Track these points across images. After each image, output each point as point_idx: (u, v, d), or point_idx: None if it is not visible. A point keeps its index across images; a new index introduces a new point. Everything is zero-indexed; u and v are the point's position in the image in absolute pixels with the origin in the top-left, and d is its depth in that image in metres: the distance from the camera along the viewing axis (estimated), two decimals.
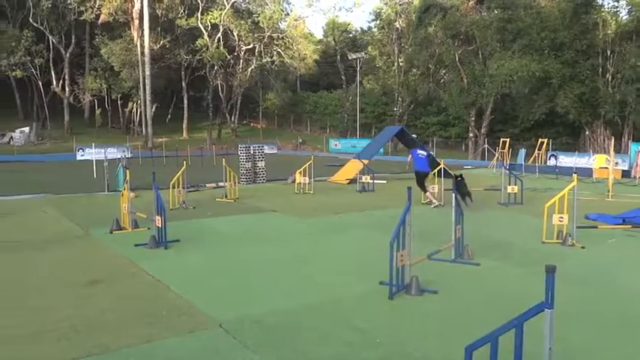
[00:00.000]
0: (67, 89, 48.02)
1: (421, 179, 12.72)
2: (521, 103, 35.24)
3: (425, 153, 13.16)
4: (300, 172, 15.42)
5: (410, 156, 13.71)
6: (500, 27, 33.77)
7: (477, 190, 15.36)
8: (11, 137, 41.56)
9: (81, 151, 34.38)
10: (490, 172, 23.01)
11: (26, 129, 42.99)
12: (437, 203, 12.33)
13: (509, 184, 12.65)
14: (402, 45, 43.79)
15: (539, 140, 26.23)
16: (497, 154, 24.65)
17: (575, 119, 31.17)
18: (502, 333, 2.98)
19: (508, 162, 22.68)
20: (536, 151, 25.02)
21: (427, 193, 12.65)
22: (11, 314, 5.08)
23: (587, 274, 6.53)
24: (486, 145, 30.38)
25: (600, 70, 30.90)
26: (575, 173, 8.49)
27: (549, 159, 27.00)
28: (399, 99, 44.06)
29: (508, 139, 26.73)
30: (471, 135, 37.81)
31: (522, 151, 26.22)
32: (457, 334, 4.49)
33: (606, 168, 18.42)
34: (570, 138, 33.82)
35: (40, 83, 46.37)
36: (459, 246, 7.07)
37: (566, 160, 26.12)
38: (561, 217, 8.08)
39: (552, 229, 8.21)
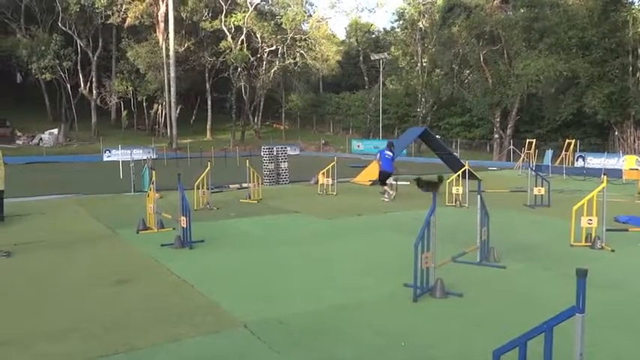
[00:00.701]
0: (94, 92, 49.01)
1: (385, 179, 13.77)
2: (548, 103, 34.61)
3: (391, 154, 13.98)
4: (323, 173, 15.42)
5: (378, 154, 14.29)
6: (526, 26, 33.23)
7: (502, 191, 15.17)
8: (41, 139, 42.57)
9: (107, 152, 35.03)
10: (516, 173, 22.68)
11: (55, 130, 44.01)
12: (387, 199, 13.42)
13: (536, 186, 12.43)
14: (426, 45, 43.49)
15: (567, 141, 25.76)
16: (522, 155, 24.28)
17: (604, 119, 30.47)
18: (531, 337, 2.93)
19: (534, 163, 22.31)
20: (563, 152, 24.58)
21: (385, 187, 13.71)
22: (42, 312, 5.20)
23: (617, 278, 6.37)
24: (512, 146, 29.95)
25: (630, 68, 30.15)
26: (604, 174, 8.30)
27: (577, 160, 26.48)
28: (423, 100, 43.76)
29: (534, 140, 26.29)
30: (495, 136, 37.31)
31: (549, 152, 25.74)
32: (483, 338, 4.43)
33: (636, 169, 17.99)
34: (599, 138, 33.08)
35: (69, 86, 47.45)
36: (484, 248, 6.98)
37: (594, 161, 25.57)
38: (590, 220, 7.90)
39: (581, 232, 8.04)
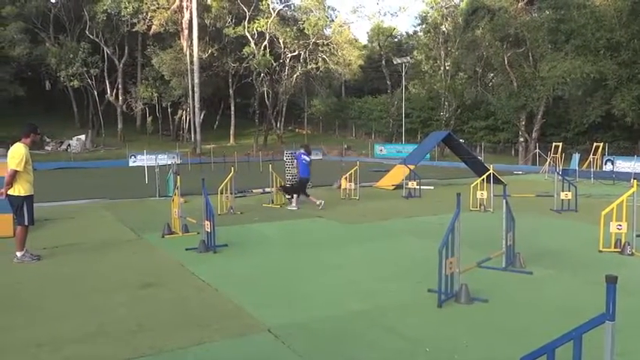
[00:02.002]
0: (120, 98, 49.99)
1: (303, 187, 12.91)
2: (575, 106, 34.01)
3: (308, 159, 13.24)
4: (346, 178, 15.42)
5: (295, 161, 13.48)
6: (552, 28, 32.74)
7: (528, 196, 14.94)
8: (69, 144, 43.56)
9: (133, 157, 35.62)
10: (542, 177, 22.31)
11: (82, 136, 44.99)
12: (296, 207, 12.69)
13: (563, 190, 12.21)
14: (449, 48, 43.21)
15: (595, 144, 25.23)
16: (549, 159, 23.87)
17: (634, 122, 29.78)
18: (560, 345, 2.87)
19: (561, 167, 21.92)
20: (591, 156, 24.07)
21: (310, 197, 12.85)
22: (70, 314, 5.30)
23: None
24: (537, 150, 29.48)
25: None
26: (634, 179, 8.10)
27: (605, 164, 25.92)
28: (446, 103, 43.47)
29: (561, 144, 25.81)
30: (521, 139, 36.81)
31: (576, 156, 25.24)
32: (509, 345, 4.36)
33: None
34: (628, 142, 32.34)
35: (96, 93, 48.52)
36: (510, 254, 6.88)
37: (623, 165, 24.98)
38: (619, 225, 7.73)
39: (610, 238, 7.87)
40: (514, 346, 4.27)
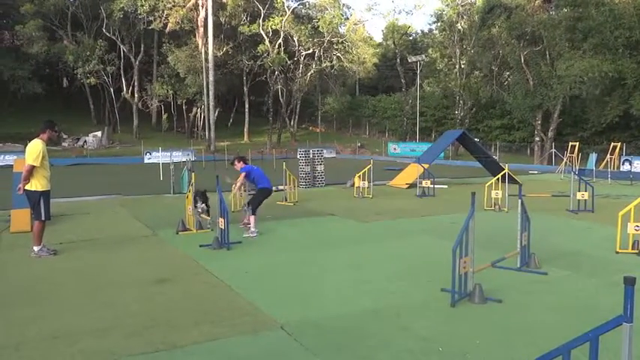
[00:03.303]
0: (136, 95, 50.44)
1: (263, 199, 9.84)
2: (592, 106, 33.54)
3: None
4: (359, 176, 15.39)
5: (243, 173, 9.80)
6: (569, 26, 32.33)
7: (543, 196, 14.79)
8: (85, 141, 44.07)
9: (148, 154, 35.94)
10: (558, 177, 22.06)
11: (99, 133, 45.48)
12: (254, 234, 9.23)
13: (579, 191, 12.06)
14: (464, 47, 42.88)
15: (612, 144, 24.90)
16: (565, 159, 23.60)
17: None
18: (575, 346, 2.84)
19: (577, 167, 21.65)
20: (608, 156, 23.76)
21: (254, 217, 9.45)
22: (85, 308, 5.37)
23: None
24: (554, 150, 29.16)
25: None
26: None
27: (623, 164, 25.55)
28: (461, 102, 43.16)
29: (577, 143, 25.51)
30: (537, 139, 36.43)
31: (593, 156, 24.92)
32: (523, 346, 4.32)
33: None
34: None
35: (112, 90, 49.01)
36: (524, 254, 6.81)
37: None
38: (637, 226, 7.61)
39: (627, 239, 7.75)
40: (528, 346, 4.23)
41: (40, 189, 7.57)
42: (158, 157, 29.43)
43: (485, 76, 40.57)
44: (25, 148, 8.00)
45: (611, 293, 5.65)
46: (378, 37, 64.03)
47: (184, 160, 23.01)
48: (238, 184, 10.12)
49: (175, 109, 51.98)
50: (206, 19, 45.02)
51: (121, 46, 48.64)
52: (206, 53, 45.28)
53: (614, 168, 22.88)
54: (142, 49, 50.14)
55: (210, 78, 44.81)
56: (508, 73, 40.23)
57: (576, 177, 12.52)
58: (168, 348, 4.31)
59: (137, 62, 49.92)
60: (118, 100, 50.62)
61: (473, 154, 20.98)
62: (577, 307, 5.38)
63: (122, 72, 49.26)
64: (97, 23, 47.86)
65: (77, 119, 48.54)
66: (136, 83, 50.39)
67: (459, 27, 43.22)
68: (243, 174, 9.71)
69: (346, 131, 56.77)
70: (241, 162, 9.97)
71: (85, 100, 51.42)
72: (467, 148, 21.18)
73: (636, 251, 7.62)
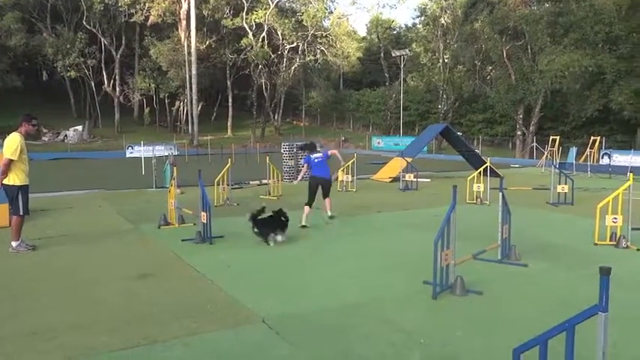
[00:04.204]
0: (117, 89, 49.78)
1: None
2: (573, 100, 33.99)
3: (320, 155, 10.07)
4: (343, 170, 15.41)
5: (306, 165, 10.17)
6: (550, 21, 32.67)
7: (524, 189, 14.96)
8: (65, 135, 43.43)
9: (130, 148, 35.56)
10: (539, 171, 22.33)
11: (79, 127, 44.85)
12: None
13: (559, 184, 12.23)
14: (448, 41, 43.09)
15: (592, 138, 25.29)
16: (546, 153, 23.90)
17: (631, 116, 29.81)
18: (552, 336, 2.88)
19: (558, 161, 21.94)
20: (588, 150, 24.13)
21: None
22: (65, 304, 5.30)
23: None
24: (535, 144, 29.50)
25: None
26: (630, 172, 8.11)
27: (602, 157, 25.95)
28: (444, 96, 43.41)
29: (558, 137, 25.86)
30: (518, 133, 36.83)
31: (573, 150, 25.30)
32: (503, 337, 4.38)
33: None
34: (625, 136, 32.38)
35: (93, 83, 48.31)
36: (505, 246, 6.89)
37: (620, 159, 25.02)
38: (615, 218, 7.74)
39: (605, 231, 7.89)
40: (508, 337, 4.29)
41: (18, 183, 7.44)
42: (140, 151, 29.12)
43: (468, 70, 40.84)
44: (2, 142, 7.85)
45: (589, 284, 5.73)
46: (362, 31, 64.09)
47: (167, 154, 22.81)
48: (300, 175, 10.66)
49: (158, 102, 51.42)
50: (189, 11, 44.57)
51: (102, 39, 47.92)
52: (189, 46, 44.85)
53: (593, 161, 23.25)
54: (124, 42, 49.45)
55: (193, 72, 44.41)
56: (491, 67, 40.54)
57: (557, 170, 12.69)
58: (148, 343, 4.28)
59: (118, 55, 49.23)
60: (99, 94, 49.91)
61: (456, 147, 21.15)
62: (556, 298, 5.47)
63: (103, 65, 48.56)
64: (77, 16, 47.04)
65: (57, 113, 47.73)
66: (117, 77, 49.72)
67: (443, 21, 43.40)
68: (305, 165, 10.21)
69: (330, 125, 56.75)
70: (305, 152, 10.42)
71: (66, 93, 50.62)
72: (450, 142, 21.34)
73: (614, 243, 7.76)
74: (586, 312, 2.74)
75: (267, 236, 7.90)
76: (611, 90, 29.78)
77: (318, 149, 10.36)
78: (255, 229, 7.92)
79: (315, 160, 9.93)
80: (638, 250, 7.49)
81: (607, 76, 29.50)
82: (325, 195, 10.07)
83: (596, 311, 2.70)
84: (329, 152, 10.25)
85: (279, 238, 7.95)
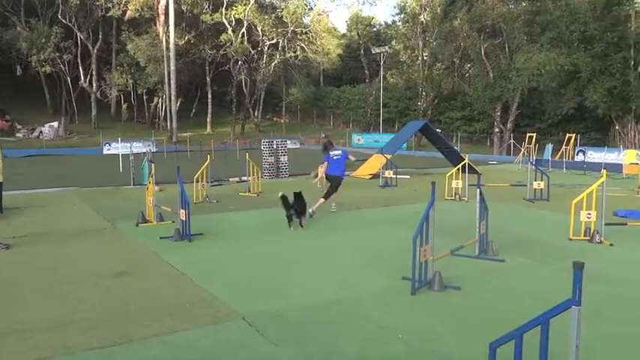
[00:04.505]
0: (94, 84, 48.93)
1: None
2: (549, 98, 34.53)
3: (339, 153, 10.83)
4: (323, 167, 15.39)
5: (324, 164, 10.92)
6: (527, 19, 33.12)
7: (502, 185, 15.16)
8: (41, 131, 42.58)
9: (107, 145, 35.03)
10: (516, 167, 22.65)
11: (55, 123, 43.99)
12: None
13: (536, 180, 12.43)
14: (427, 39, 43.35)
15: (567, 135, 25.74)
16: (523, 150, 24.27)
17: (605, 114, 30.43)
18: (527, 330, 2.93)
19: (534, 157, 22.28)
20: (563, 147, 24.56)
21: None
22: (39, 303, 5.21)
23: (615, 272, 6.38)
24: (512, 141, 29.92)
25: (632, 63, 30.05)
26: (604, 169, 8.29)
27: (577, 154, 26.47)
28: (423, 93, 43.69)
29: (535, 134, 26.25)
30: (496, 130, 37.29)
31: (549, 147, 25.71)
32: (481, 331, 4.43)
33: (636, 164, 17.97)
34: (599, 133, 33.05)
35: (69, 79, 47.39)
36: (483, 242, 6.98)
37: (594, 156, 25.55)
38: (589, 214, 7.90)
39: (580, 226, 8.05)
40: (485, 332, 4.34)
41: None
42: (118, 148, 28.70)
43: (447, 68, 41.20)
44: None
45: (563, 278, 5.82)
46: (342, 28, 64.01)
47: (145, 151, 22.53)
48: (320, 172, 11.32)
49: (135, 98, 50.69)
50: (167, 6, 43.97)
51: (78, 34, 47.01)
52: (167, 42, 44.29)
53: (568, 158, 23.68)
54: (100, 36, 48.60)
55: (172, 67, 43.90)
56: (469, 65, 40.97)
57: (533, 167, 12.89)
58: (125, 342, 4.23)
59: (95, 50, 48.37)
60: (76, 90, 48.99)
61: (435, 144, 21.31)
62: (532, 293, 5.56)
63: (79, 60, 47.66)
64: (53, 9, 46.04)
65: (32, 109, 46.72)
66: (94, 72, 48.85)
67: (422, 19, 43.64)
68: (324, 164, 10.80)
69: (310, 122, 56.69)
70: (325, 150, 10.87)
71: (40, 89, 49.57)
72: (429, 138, 21.51)
73: (588, 238, 7.92)
74: (560, 306, 2.79)
75: (301, 216, 9.04)
76: (586, 88, 30.33)
77: (336, 148, 11.20)
78: (292, 211, 8.92)
79: (334, 158, 10.67)
80: (611, 245, 7.66)
81: (582, 75, 30.02)
82: (332, 190, 10.58)
83: (570, 305, 2.75)
84: (350, 156, 11.01)
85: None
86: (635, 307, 5.18)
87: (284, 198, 8.95)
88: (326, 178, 10.94)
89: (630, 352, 4.21)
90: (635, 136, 29.72)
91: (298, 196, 9.11)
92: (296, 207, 8.96)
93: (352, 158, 11.32)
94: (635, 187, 14.11)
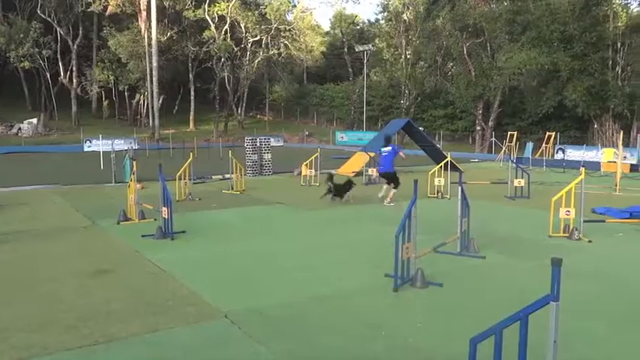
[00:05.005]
0: (74, 81, 48.17)
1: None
2: (529, 96, 34.96)
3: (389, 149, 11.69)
4: (307, 165, 15.41)
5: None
6: (509, 19, 33.44)
7: (483, 183, 15.32)
8: (19, 128, 41.83)
9: (88, 142, 34.57)
10: (497, 165, 22.91)
11: (34, 120, 43.23)
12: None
13: (516, 178, 12.59)
14: (410, 37, 43.50)
15: (547, 134, 26.07)
16: (504, 148, 24.54)
17: (584, 112, 30.92)
18: (507, 325, 2.97)
19: (515, 155, 22.55)
20: (543, 145, 24.88)
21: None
22: (19, 303, 5.13)
23: (593, 268, 6.50)
24: (493, 139, 30.23)
25: (610, 62, 30.60)
26: (582, 167, 8.42)
27: (557, 152, 26.86)
28: (406, 92, 43.86)
29: (515, 133, 26.58)
30: (478, 128, 37.62)
31: (530, 145, 26.07)
32: (462, 327, 4.48)
33: (614, 162, 18.29)
34: (578, 131, 33.58)
35: (48, 74, 46.54)
36: (464, 239, 7.05)
37: (573, 154, 25.97)
38: (568, 211, 8.03)
39: (559, 223, 8.17)
40: (467, 327, 4.39)
41: None
42: (99, 145, 28.31)
43: (430, 66, 41.40)
44: None
45: (543, 275, 5.90)
46: (326, 26, 63.96)
47: (126, 148, 22.29)
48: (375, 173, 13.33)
49: (117, 95, 50.01)
50: (149, 2, 43.46)
51: (58, 29, 46.20)
52: (149, 38, 43.79)
53: (548, 156, 24.00)
54: (81, 32, 47.82)
55: (154, 64, 43.43)
56: (451, 64, 41.21)
57: (514, 165, 13.04)
58: (106, 341, 4.19)
59: (75, 46, 47.59)
60: (55, 86, 48.16)
61: (417, 142, 21.43)
62: (512, 289, 5.64)
63: (59, 56, 46.83)
64: (31, 4, 45.18)
65: (10, 105, 45.83)
66: (74, 68, 48.07)
67: (405, 17, 43.79)
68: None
69: (294, 120, 56.59)
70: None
71: (19, 84, 48.66)
72: (412, 136, 21.62)
73: (567, 235, 8.05)
74: (538, 302, 2.83)
75: (345, 195, 11.54)
76: (566, 87, 30.76)
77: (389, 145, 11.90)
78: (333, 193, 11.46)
79: (383, 154, 11.68)
80: (589, 241, 7.80)
81: (562, 74, 30.43)
82: (394, 185, 11.58)
83: (548, 301, 2.79)
84: (401, 152, 11.98)
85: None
86: (612, 302, 5.29)
87: (331, 177, 11.66)
88: (380, 176, 12.23)
89: (607, 345, 4.30)
90: (612, 134, 30.22)
91: (347, 182, 11.58)
92: (334, 188, 11.51)
93: (403, 155, 12.15)
94: (612, 184, 14.37)
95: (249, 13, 48.03)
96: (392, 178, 11.58)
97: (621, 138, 17.87)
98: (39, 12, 44.41)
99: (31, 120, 43.04)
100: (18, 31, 43.11)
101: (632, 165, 21.26)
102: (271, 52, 50.12)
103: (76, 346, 4.09)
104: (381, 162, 11.80)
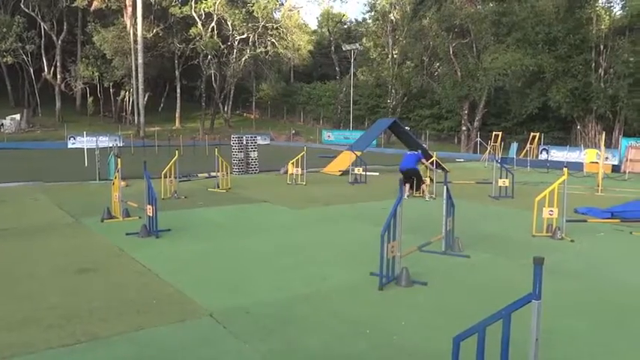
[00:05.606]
0: (58, 76, 47.57)
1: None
2: (514, 97, 35.28)
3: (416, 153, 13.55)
4: (293, 163, 15.41)
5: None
6: (494, 20, 33.72)
7: (468, 183, 15.45)
8: (2, 124, 41.18)
9: (72, 139, 34.17)
10: (482, 165, 23.10)
11: (17, 116, 42.61)
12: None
13: (501, 178, 12.71)
14: (397, 37, 43.67)
15: (531, 134, 26.36)
16: (489, 148, 24.77)
17: (567, 114, 31.30)
18: (489, 324, 3.01)
19: (500, 156, 22.77)
20: (527, 145, 25.15)
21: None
22: (1, 302, 5.06)
23: (575, 267, 6.60)
24: (479, 139, 30.49)
25: (593, 64, 30.99)
26: (565, 167, 8.54)
27: (541, 153, 27.16)
28: (393, 91, 44.02)
29: (500, 133, 26.82)
30: (463, 128, 37.89)
31: (514, 145, 26.34)
32: (446, 326, 4.52)
33: (597, 162, 18.55)
34: (562, 132, 33.99)
35: (31, 70, 45.91)
36: (449, 238, 7.11)
37: (557, 155, 26.30)
38: (551, 211, 8.14)
39: (542, 223, 8.27)
40: (451, 326, 4.43)
41: None
42: (83, 142, 27.98)
43: (417, 66, 41.60)
44: None
45: (526, 274, 5.98)
46: (313, 25, 63.98)
47: (111, 145, 22.08)
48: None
49: (102, 92, 49.49)
50: None
51: (42, 24, 45.57)
52: (135, 34, 43.39)
53: (532, 157, 24.27)
54: (65, 27, 47.18)
55: (140, 60, 43.05)
56: (438, 64, 41.44)
57: (498, 165, 13.17)
58: (89, 339, 4.15)
59: (59, 41, 46.97)
60: (39, 81, 47.53)
61: (404, 142, 21.51)
62: (496, 288, 5.70)
63: (43, 51, 46.20)
64: None
65: None
66: (58, 64, 47.46)
67: (392, 17, 43.95)
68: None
69: (281, 118, 56.49)
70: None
71: (2, 80, 47.90)
72: (398, 136, 21.69)
73: (550, 234, 8.16)
74: (520, 300, 2.87)
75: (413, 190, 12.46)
76: (550, 89, 31.09)
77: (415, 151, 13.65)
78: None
79: (408, 154, 13.28)
80: (572, 241, 7.91)
81: (546, 75, 30.76)
82: (417, 181, 12.72)
83: (530, 299, 2.83)
84: (423, 160, 13.23)
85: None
86: (594, 301, 5.37)
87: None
88: (400, 172, 12.74)
89: (588, 343, 4.37)
90: (595, 135, 30.62)
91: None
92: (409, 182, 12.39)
93: (425, 162, 13.30)
94: (594, 184, 14.58)
95: (237, 11, 47.80)
96: (413, 175, 12.72)
97: (603, 139, 18.15)
98: (22, 6, 43.74)
99: (13, 116, 42.41)
100: (1, 26, 42.48)
101: (613, 166, 21.61)
102: (258, 50, 49.95)
103: (59, 344, 4.05)
104: (404, 160, 12.96)
